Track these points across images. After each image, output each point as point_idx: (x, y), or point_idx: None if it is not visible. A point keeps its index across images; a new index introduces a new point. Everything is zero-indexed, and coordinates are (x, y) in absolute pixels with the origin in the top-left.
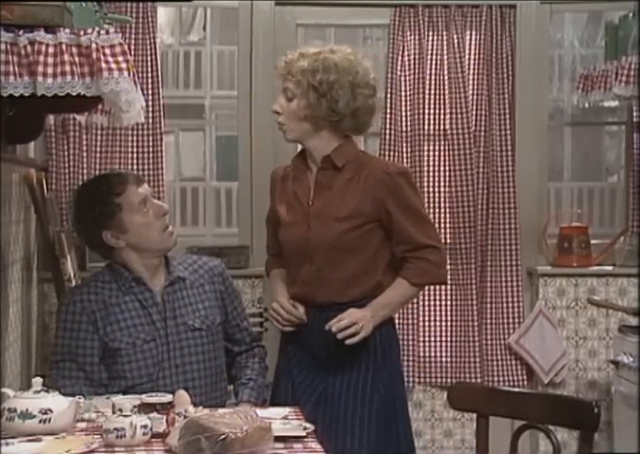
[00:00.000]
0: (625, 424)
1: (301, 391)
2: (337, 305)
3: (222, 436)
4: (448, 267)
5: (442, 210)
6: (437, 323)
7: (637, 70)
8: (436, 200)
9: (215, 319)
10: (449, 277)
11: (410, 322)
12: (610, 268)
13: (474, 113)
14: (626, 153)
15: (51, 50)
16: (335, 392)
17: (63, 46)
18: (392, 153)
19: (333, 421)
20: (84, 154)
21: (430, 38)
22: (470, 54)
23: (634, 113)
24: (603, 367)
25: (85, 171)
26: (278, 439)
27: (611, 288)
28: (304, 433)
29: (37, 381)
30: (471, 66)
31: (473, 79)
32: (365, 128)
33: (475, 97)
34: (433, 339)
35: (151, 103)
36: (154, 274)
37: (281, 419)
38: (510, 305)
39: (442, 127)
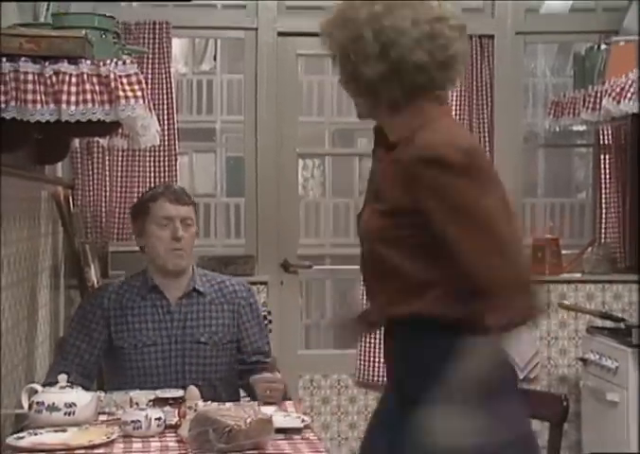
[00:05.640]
0: (592, 415)
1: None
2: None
3: (228, 428)
4: None
5: None
6: None
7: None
8: None
9: (224, 336)
10: None
11: None
12: (579, 275)
13: None
14: (593, 172)
15: (74, 80)
16: None
17: (85, 76)
18: None
19: None
20: (107, 173)
21: None
22: None
23: (600, 137)
24: (572, 364)
25: (108, 188)
26: (279, 430)
27: (579, 293)
28: (302, 425)
29: (62, 378)
30: (454, 93)
31: (456, 106)
32: None
33: (457, 122)
34: None
35: (166, 127)
36: (173, 284)
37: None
38: None
39: None
